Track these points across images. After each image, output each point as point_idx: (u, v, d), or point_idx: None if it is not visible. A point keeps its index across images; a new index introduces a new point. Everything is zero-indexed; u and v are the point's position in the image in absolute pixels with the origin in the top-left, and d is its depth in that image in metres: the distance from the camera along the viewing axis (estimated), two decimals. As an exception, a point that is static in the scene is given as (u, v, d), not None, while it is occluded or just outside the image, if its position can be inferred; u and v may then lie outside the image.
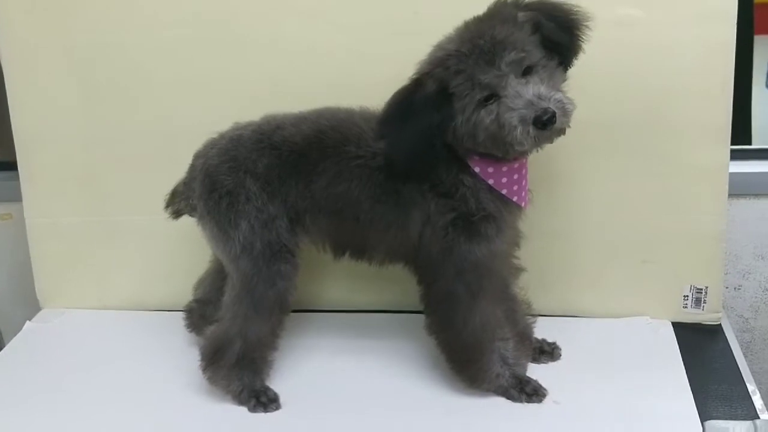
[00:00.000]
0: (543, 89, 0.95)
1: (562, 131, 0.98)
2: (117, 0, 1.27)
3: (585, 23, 1.00)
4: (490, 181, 1.04)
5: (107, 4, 1.28)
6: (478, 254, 1.05)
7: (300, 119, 1.11)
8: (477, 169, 1.04)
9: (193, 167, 1.14)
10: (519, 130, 0.94)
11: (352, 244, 1.13)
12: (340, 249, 1.15)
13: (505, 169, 1.04)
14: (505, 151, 1.00)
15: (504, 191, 1.05)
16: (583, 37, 1.00)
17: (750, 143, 1.48)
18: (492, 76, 0.95)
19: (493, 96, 0.96)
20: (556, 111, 0.94)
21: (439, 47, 0.99)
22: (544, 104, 0.94)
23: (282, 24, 1.25)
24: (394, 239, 1.09)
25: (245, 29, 1.26)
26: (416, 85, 0.99)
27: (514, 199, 1.06)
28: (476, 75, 0.95)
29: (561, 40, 0.99)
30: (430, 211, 1.06)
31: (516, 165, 1.05)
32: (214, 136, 1.14)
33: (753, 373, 1.49)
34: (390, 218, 1.07)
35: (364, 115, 1.10)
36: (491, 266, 1.07)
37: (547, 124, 0.94)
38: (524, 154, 1.04)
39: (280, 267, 1.10)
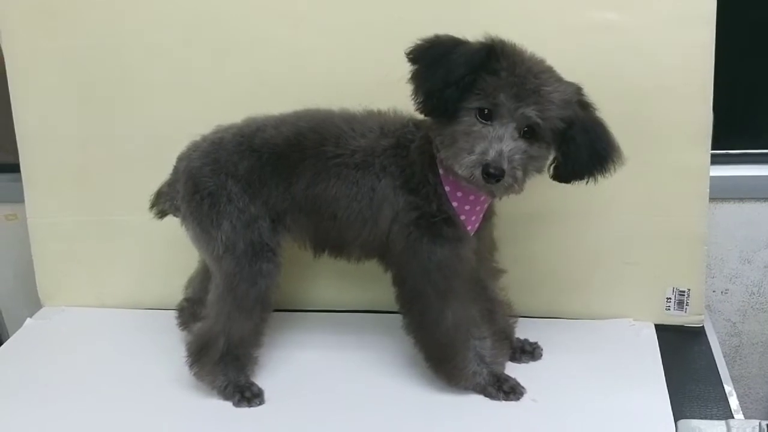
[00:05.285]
0: (518, 158, 0.97)
1: (509, 190, 1.01)
2: (113, 6, 1.31)
3: (612, 164, 1.03)
4: (447, 188, 1.06)
5: (103, 11, 1.32)
6: (440, 256, 1.07)
7: (280, 121, 1.13)
8: (441, 171, 1.06)
9: (176, 169, 1.17)
10: (468, 160, 0.97)
11: (330, 241, 1.16)
12: (319, 247, 1.17)
13: (464, 183, 1.04)
14: (446, 162, 1.01)
15: (455, 204, 1.07)
16: (598, 175, 1.03)
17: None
18: (505, 106, 0.97)
19: (488, 118, 0.98)
20: (506, 179, 0.96)
21: (513, 47, 0.99)
22: (503, 166, 0.96)
23: (270, 28, 1.28)
24: (368, 235, 1.11)
25: (235, 34, 1.29)
26: (473, 43, 0.99)
27: (462, 217, 1.08)
28: (500, 93, 0.97)
29: (575, 156, 1.01)
30: (399, 208, 1.08)
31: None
32: (197, 138, 1.17)
33: (742, 377, 1.50)
34: (365, 215, 1.10)
35: (343, 116, 1.12)
36: (457, 268, 1.09)
37: (490, 178, 0.96)
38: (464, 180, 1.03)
39: (262, 266, 1.12)
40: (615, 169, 1.03)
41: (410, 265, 1.09)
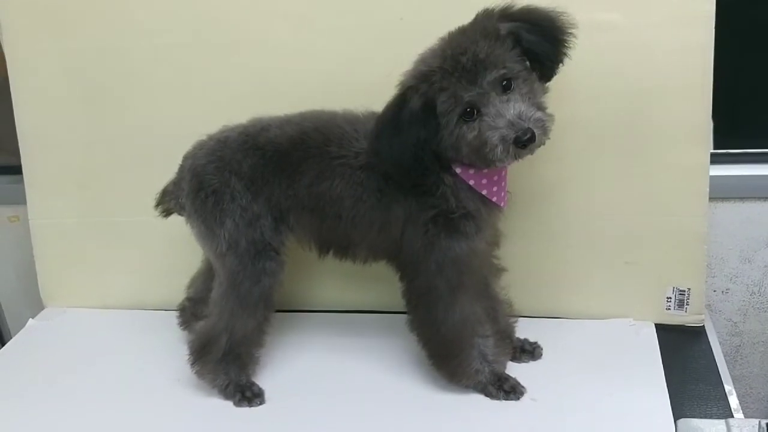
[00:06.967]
0: (524, 107, 0.97)
1: (541, 145, 1.00)
2: (115, 8, 1.32)
3: (569, 31, 1.01)
4: (471, 182, 1.07)
5: (105, 13, 1.32)
6: (458, 251, 1.07)
7: (285, 122, 1.14)
8: (458, 170, 1.06)
9: (182, 168, 1.18)
10: (500, 148, 0.97)
11: (335, 241, 1.16)
12: (324, 247, 1.17)
13: (485, 171, 1.06)
14: (486, 164, 1.02)
15: (484, 192, 1.07)
16: (568, 45, 1.01)
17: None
18: (474, 94, 0.97)
19: (475, 112, 0.98)
20: (535, 131, 0.96)
21: (423, 61, 1.01)
22: (524, 125, 0.96)
23: (272, 30, 1.29)
24: (376, 236, 1.11)
25: (237, 35, 1.30)
26: (402, 100, 1.01)
27: (494, 199, 1.09)
28: (459, 92, 0.97)
29: (543, 51, 1.00)
30: (412, 209, 1.08)
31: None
32: (203, 137, 1.17)
33: (743, 377, 1.50)
34: (373, 216, 1.10)
35: (347, 117, 1.12)
36: (471, 263, 1.10)
37: (527, 143, 0.96)
38: (505, 166, 1.07)
39: (265, 264, 1.13)
40: (573, 33, 1.01)
41: (425, 260, 1.08)
